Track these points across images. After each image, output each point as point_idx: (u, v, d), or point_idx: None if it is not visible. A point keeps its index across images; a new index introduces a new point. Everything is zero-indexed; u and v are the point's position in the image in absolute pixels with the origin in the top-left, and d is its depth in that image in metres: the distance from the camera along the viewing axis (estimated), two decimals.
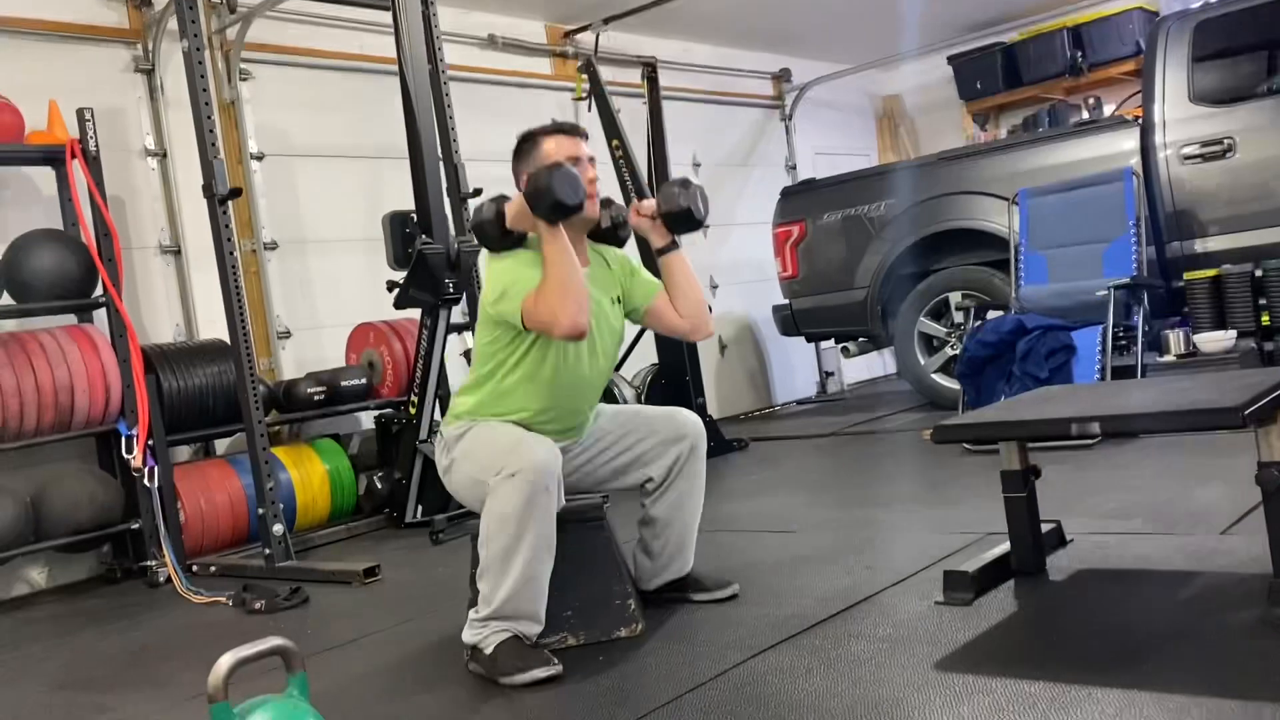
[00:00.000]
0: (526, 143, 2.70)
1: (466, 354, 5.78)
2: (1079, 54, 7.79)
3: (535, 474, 2.39)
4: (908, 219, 6.02)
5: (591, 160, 2.70)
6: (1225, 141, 5.03)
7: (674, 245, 2.79)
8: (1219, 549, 2.71)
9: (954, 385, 5.40)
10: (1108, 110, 7.61)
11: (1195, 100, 5.15)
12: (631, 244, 2.94)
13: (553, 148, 2.64)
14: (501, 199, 2.64)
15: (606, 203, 2.81)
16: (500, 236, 2.61)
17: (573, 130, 2.72)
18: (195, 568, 4.24)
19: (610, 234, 2.83)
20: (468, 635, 2.51)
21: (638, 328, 3.14)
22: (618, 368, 6.24)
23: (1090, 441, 3.90)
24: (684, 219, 2.73)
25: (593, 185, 2.65)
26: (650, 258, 2.88)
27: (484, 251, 2.70)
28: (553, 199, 2.44)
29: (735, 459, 5.59)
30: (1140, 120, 5.31)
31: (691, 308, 2.80)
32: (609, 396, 4.63)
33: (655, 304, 2.83)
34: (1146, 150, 5.22)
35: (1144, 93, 5.35)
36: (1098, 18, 7.66)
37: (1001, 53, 8.19)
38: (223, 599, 3.68)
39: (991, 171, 5.75)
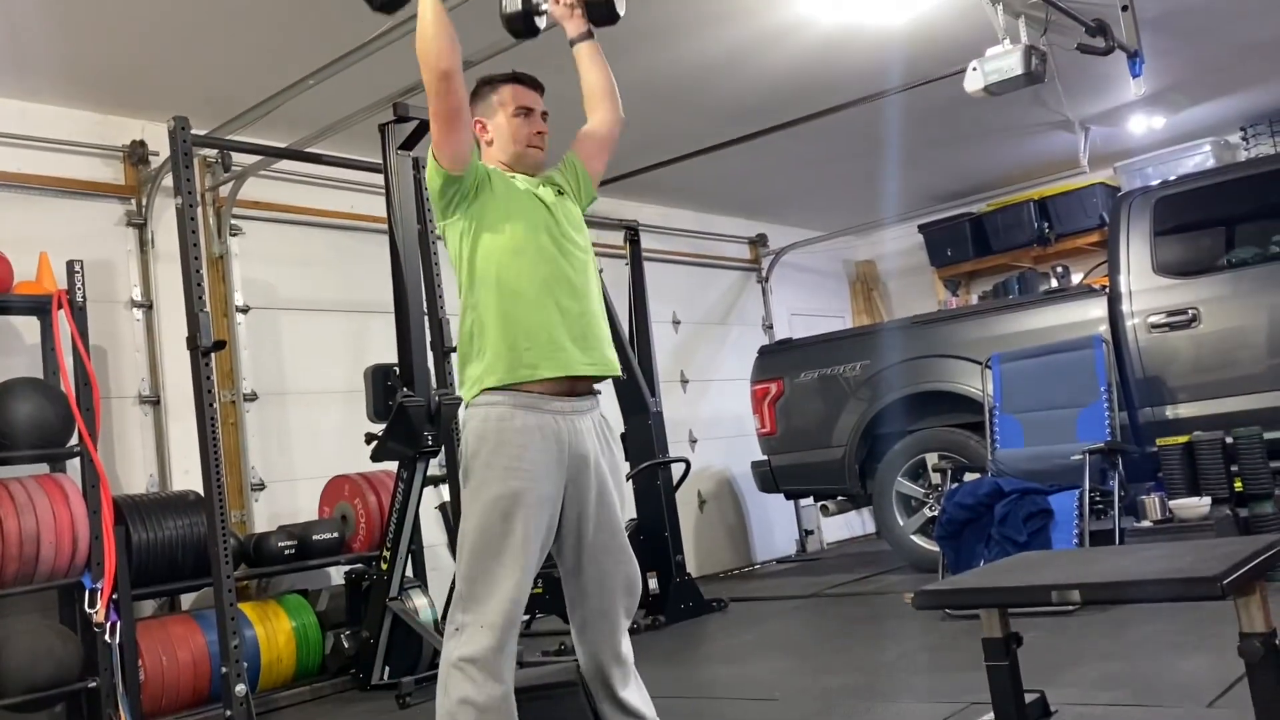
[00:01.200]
0: (485, 86, 2.71)
1: (441, 507, 5.74)
2: (1046, 225, 8.08)
3: (489, 664, 2.35)
4: (884, 380, 6.11)
5: (544, 115, 2.73)
6: (1190, 312, 5.17)
7: (589, 35, 2.78)
8: None
9: (933, 547, 5.36)
10: (1075, 279, 7.85)
11: (1159, 272, 5.32)
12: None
13: (509, 96, 2.67)
14: None
15: None
16: None
17: (531, 81, 2.74)
18: None
19: (526, 18, 2.78)
20: None
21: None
22: None
23: (1071, 607, 3.86)
24: (602, 8, 2.75)
25: (541, 138, 2.69)
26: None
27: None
28: None
29: (715, 620, 5.48)
30: (1107, 289, 5.46)
31: (601, 88, 2.76)
32: None
33: (578, 141, 2.80)
34: (1115, 318, 5.35)
35: (1110, 264, 5.52)
36: (1063, 191, 7.99)
37: (970, 223, 8.48)
38: None
39: (965, 335, 5.87)
